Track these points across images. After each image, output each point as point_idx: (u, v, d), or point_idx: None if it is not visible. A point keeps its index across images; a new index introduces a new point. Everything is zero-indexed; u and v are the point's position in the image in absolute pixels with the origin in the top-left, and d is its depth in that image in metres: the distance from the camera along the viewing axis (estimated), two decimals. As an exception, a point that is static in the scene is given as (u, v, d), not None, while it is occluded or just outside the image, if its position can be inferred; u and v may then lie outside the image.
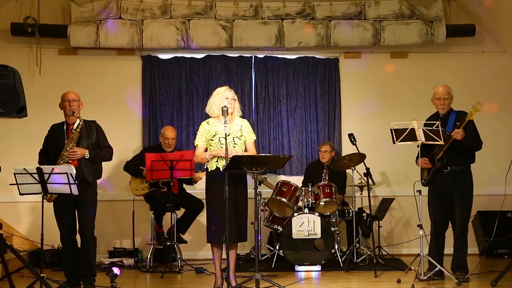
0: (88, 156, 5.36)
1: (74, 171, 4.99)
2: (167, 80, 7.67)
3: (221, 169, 5.14)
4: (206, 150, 5.32)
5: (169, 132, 6.94)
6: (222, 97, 5.23)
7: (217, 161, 5.21)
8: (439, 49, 7.78)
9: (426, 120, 5.61)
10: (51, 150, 5.42)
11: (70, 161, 5.27)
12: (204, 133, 5.29)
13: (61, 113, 5.51)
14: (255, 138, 5.40)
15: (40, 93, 7.22)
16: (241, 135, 5.29)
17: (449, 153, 5.56)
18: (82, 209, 5.39)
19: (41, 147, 5.59)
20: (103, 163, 5.62)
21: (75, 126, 5.42)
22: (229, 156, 5.03)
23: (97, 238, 5.56)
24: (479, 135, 5.64)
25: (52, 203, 5.39)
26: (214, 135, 5.24)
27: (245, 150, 5.33)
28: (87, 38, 7.28)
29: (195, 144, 5.39)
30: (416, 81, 7.79)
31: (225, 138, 5.08)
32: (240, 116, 5.40)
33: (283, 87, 7.76)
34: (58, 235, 5.51)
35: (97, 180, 5.57)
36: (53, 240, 6.34)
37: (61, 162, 5.26)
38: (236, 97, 5.32)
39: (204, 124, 5.34)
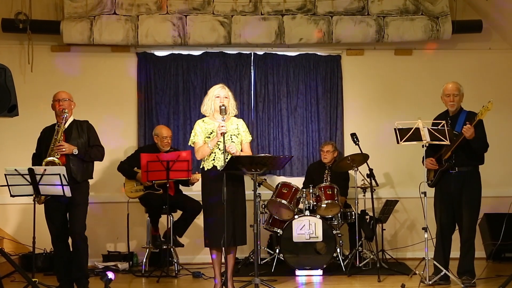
0: (77, 153, 5.29)
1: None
2: (163, 78, 7.60)
3: (218, 168, 5.06)
4: None
5: (165, 131, 6.86)
6: (213, 96, 5.19)
7: (213, 159, 5.13)
8: (445, 46, 7.71)
9: (434, 119, 5.54)
10: (43, 152, 5.35)
11: (58, 156, 5.20)
12: (202, 130, 5.20)
13: (54, 112, 5.46)
14: (251, 138, 5.35)
15: (31, 91, 7.18)
16: (238, 134, 5.24)
17: (457, 154, 5.47)
18: (73, 209, 5.33)
19: (34, 151, 5.53)
20: (96, 163, 5.57)
21: (66, 123, 5.37)
22: (228, 149, 4.99)
23: (91, 242, 5.50)
24: (486, 137, 5.54)
25: (43, 205, 5.32)
26: (211, 133, 5.17)
27: (241, 151, 5.26)
28: (80, 35, 7.23)
29: (191, 144, 5.27)
30: (421, 79, 7.73)
31: (223, 137, 5.01)
32: (235, 115, 5.33)
33: (283, 85, 7.70)
34: (50, 238, 5.44)
35: (90, 181, 5.51)
36: (45, 243, 6.26)
37: (49, 157, 5.19)
38: (229, 95, 5.24)
39: (199, 122, 5.27)
